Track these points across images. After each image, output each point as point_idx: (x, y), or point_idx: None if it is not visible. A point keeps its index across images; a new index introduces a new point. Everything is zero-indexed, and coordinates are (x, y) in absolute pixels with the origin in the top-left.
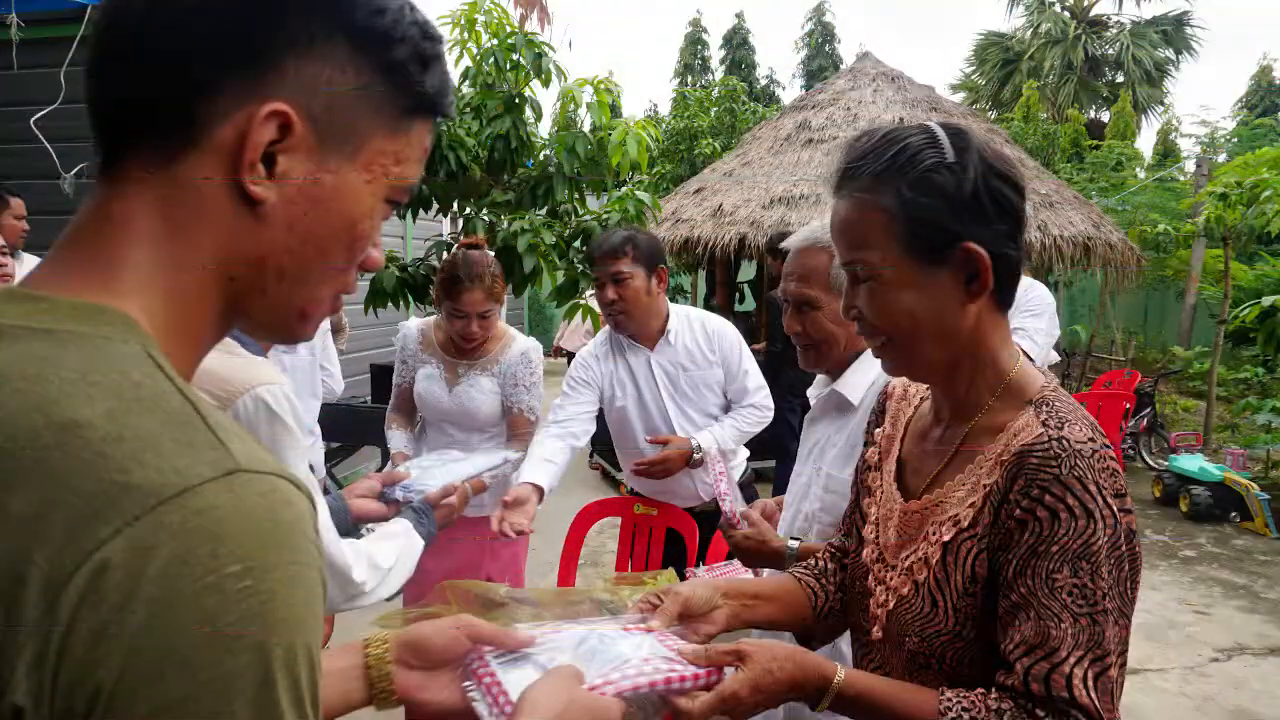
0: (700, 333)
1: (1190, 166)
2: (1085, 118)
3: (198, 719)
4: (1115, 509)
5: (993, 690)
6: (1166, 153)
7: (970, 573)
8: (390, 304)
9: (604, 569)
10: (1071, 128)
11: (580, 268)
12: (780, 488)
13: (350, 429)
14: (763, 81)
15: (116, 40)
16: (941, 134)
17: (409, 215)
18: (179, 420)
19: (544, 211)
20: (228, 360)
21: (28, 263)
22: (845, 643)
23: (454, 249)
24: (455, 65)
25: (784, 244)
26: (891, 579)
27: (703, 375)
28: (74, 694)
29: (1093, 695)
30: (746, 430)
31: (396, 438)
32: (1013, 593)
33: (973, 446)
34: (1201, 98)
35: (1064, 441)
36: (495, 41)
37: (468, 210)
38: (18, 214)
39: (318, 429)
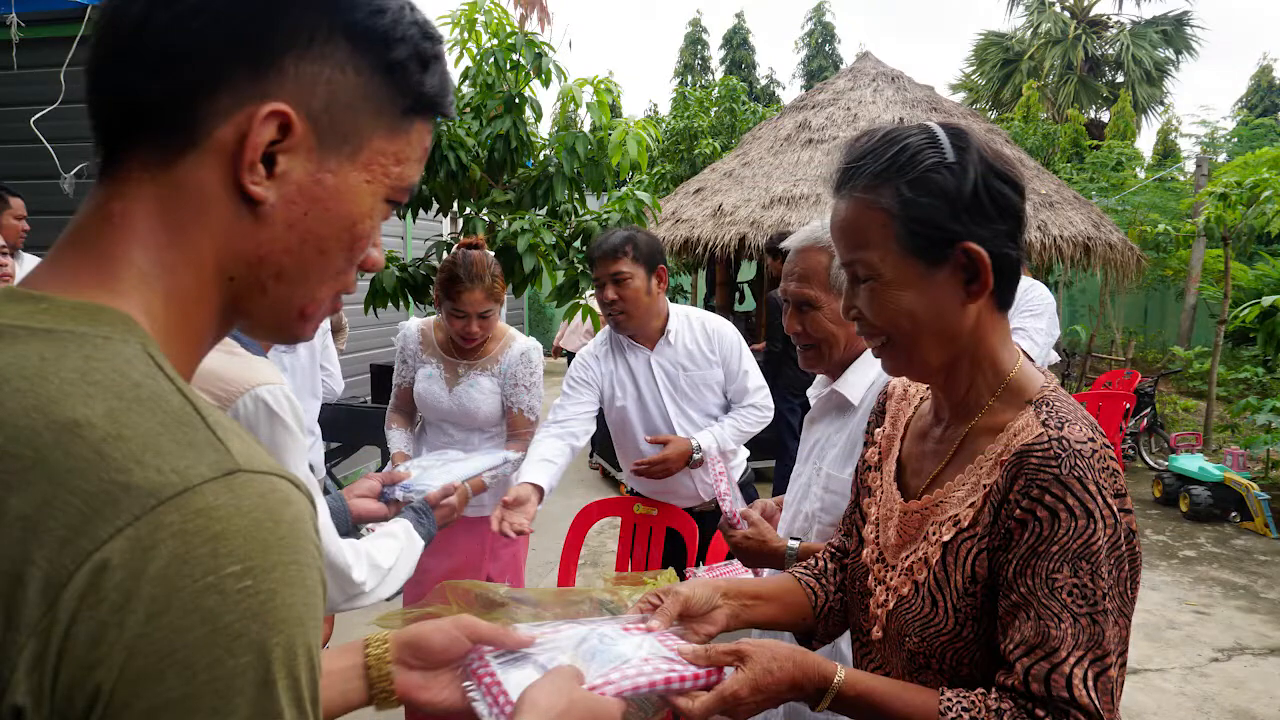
0: (700, 333)
1: (1190, 166)
2: (1085, 118)
3: (198, 718)
4: (1115, 509)
5: (993, 690)
6: (1166, 153)
7: (970, 573)
8: (390, 304)
9: (604, 569)
10: (1071, 128)
11: (580, 268)
12: (780, 488)
13: (350, 429)
14: (763, 81)
15: (116, 40)
16: (941, 134)
17: (409, 215)
18: (179, 420)
19: (544, 211)
20: (228, 360)
21: (28, 263)
22: (845, 643)
23: (454, 249)
24: (455, 65)
25: (784, 244)
26: (891, 579)
27: (703, 375)
28: (74, 694)
29: (1093, 695)
30: (746, 430)
31: (396, 438)
32: (1013, 593)
33: (973, 446)
34: (1201, 98)
35: (1064, 441)
36: (495, 41)
37: (468, 210)
38: (18, 214)
39: (318, 429)
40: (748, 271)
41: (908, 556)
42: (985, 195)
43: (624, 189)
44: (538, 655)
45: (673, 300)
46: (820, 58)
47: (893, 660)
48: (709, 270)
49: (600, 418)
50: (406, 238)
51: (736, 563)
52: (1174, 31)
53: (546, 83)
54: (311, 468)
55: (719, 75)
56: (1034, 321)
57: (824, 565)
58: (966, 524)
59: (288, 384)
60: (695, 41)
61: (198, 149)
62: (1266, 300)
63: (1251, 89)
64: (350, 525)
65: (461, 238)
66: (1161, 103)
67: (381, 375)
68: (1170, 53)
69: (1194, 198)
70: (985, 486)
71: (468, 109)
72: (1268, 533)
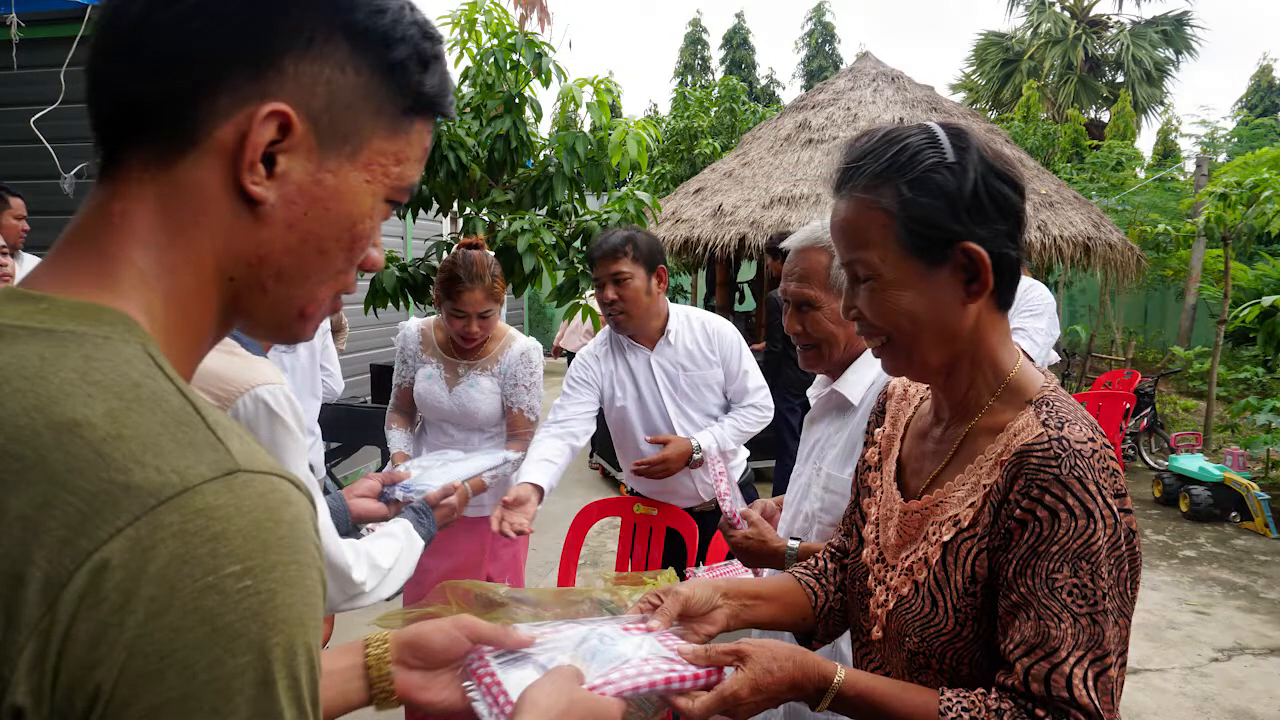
0: (700, 333)
1: (1190, 166)
2: (1085, 118)
3: (198, 718)
4: (1115, 509)
5: (993, 690)
6: (1166, 153)
7: (970, 573)
8: (390, 304)
9: (604, 569)
10: (1071, 128)
11: (580, 268)
12: (780, 488)
13: (350, 429)
14: (763, 81)
15: (116, 40)
16: (941, 134)
17: (409, 215)
18: (179, 420)
19: (544, 211)
20: (228, 360)
21: (28, 263)
22: (845, 643)
23: (454, 249)
24: (455, 65)
25: (784, 244)
26: (891, 579)
27: (703, 375)
28: (74, 694)
29: (1093, 695)
30: (746, 430)
31: (396, 438)
32: (1013, 593)
33: (973, 446)
34: (1201, 98)
35: (1064, 441)
36: (495, 41)
37: (468, 210)
38: (18, 214)
39: (318, 429)
40: (748, 271)
41: (908, 556)
42: (985, 195)
43: (624, 189)
44: (538, 655)
45: (673, 300)
46: (820, 58)
47: (893, 660)
48: (709, 270)
49: (600, 418)
50: (406, 238)
51: (736, 563)
52: (1174, 31)
53: (546, 83)
54: (311, 468)
55: (719, 75)
56: (1034, 321)
57: (824, 565)
58: (966, 524)
59: (288, 384)
60: (695, 41)
61: (198, 149)
62: (1266, 300)
63: (1251, 89)
64: (350, 525)
65: (461, 238)
66: (1161, 103)
67: (381, 375)
68: (1170, 53)
69: (1194, 198)
70: (985, 486)
71: (468, 109)
72: (1268, 533)
